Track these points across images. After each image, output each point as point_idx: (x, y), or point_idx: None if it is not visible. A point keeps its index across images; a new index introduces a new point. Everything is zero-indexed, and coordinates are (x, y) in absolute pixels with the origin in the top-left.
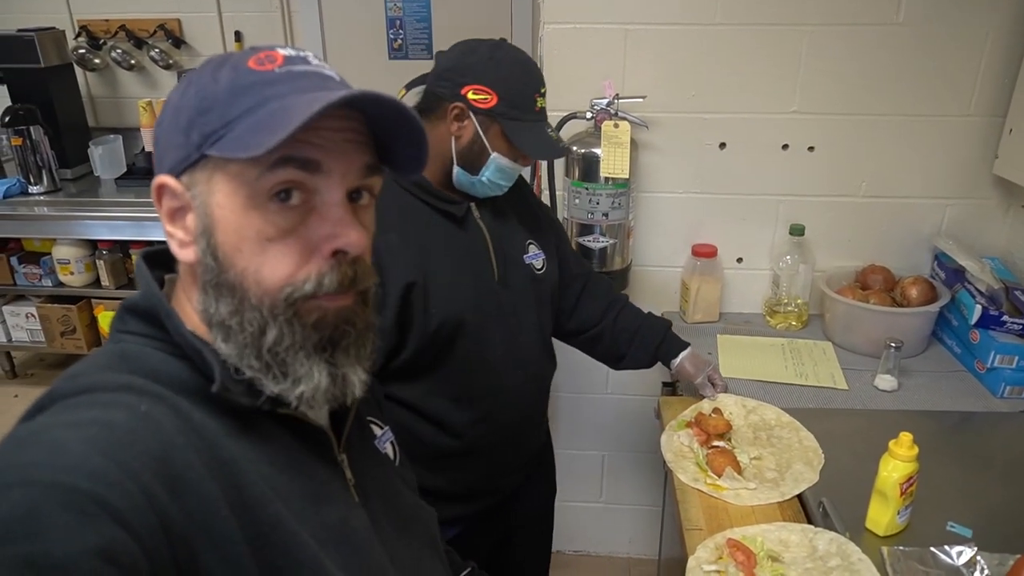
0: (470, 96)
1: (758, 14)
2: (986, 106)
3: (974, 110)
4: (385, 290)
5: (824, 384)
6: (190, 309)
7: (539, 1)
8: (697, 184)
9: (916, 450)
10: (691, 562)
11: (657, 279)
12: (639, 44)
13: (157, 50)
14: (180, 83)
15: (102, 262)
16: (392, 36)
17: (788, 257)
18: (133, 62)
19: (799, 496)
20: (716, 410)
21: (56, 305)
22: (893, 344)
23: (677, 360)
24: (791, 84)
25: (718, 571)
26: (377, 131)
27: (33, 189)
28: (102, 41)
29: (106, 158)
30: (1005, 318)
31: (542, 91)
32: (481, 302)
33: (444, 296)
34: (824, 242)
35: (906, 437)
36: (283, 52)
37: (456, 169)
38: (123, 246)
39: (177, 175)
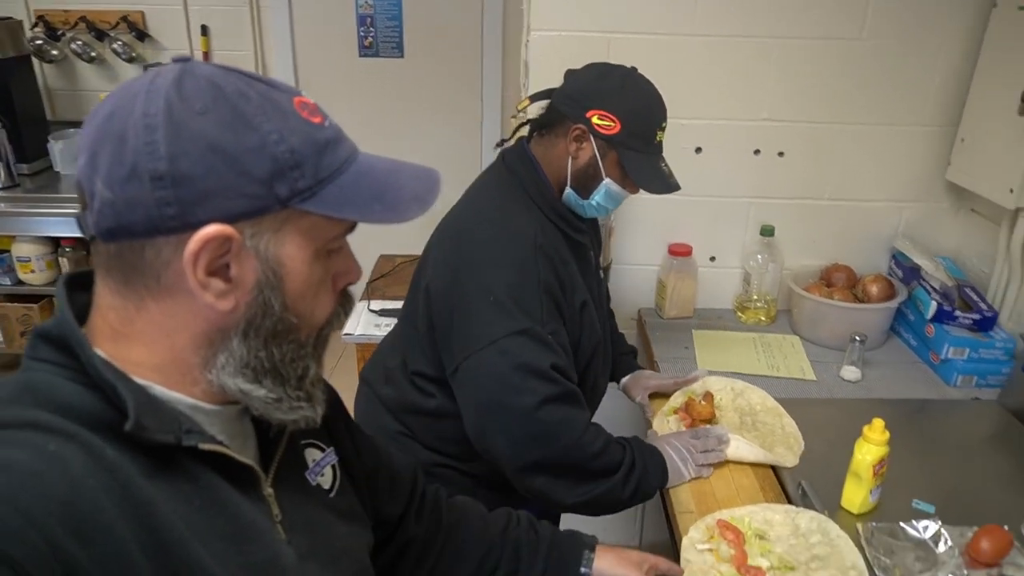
0: (595, 120)
1: (732, 26)
2: (940, 116)
3: (929, 120)
4: (571, 307)
5: (794, 375)
6: (104, 339)
7: (525, 8)
8: None
9: (888, 435)
10: (685, 542)
11: (636, 277)
12: (621, 52)
13: (120, 43)
14: (190, 108)
15: (65, 259)
16: (363, 34)
17: (758, 256)
18: (94, 54)
19: (780, 480)
20: (708, 395)
21: (16, 304)
22: (858, 337)
23: (625, 378)
24: (762, 93)
25: (711, 549)
26: None
27: None
28: (61, 32)
29: (67, 152)
30: (957, 313)
31: (664, 125)
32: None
33: (593, 323)
34: (792, 242)
35: (879, 423)
36: (311, 99)
37: (568, 190)
38: (87, 243)
39: (233, 222)
